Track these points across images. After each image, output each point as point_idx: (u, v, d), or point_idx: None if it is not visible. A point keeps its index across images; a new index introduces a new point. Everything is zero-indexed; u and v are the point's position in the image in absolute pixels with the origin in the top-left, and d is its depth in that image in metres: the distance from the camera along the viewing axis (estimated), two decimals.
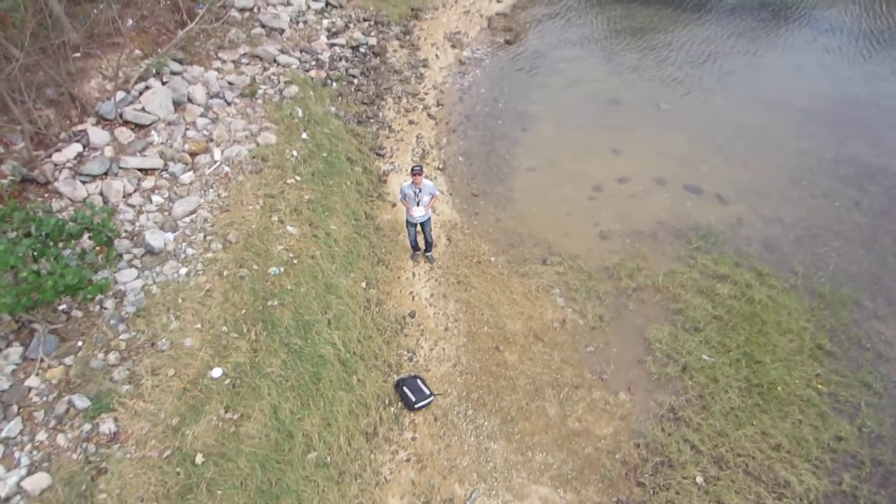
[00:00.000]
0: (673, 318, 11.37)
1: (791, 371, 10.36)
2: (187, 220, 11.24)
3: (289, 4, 19.03)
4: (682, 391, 10.20)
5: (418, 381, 9.88)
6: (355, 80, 17.25)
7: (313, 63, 17.08)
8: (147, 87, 13.32)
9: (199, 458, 8.08)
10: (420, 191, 10.98)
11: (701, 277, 12.09)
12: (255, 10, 18.13)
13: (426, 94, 17.69)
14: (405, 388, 9.71)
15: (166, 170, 12.08)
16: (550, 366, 10.51)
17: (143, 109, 12.80)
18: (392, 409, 9.62)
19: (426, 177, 11.32)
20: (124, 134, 12.24)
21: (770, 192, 14.38)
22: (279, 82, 15.54)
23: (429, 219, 11.56)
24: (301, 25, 18.67)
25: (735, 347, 10.74)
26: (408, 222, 11.63)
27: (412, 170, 10.77)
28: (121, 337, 9.16)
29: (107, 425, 8.17)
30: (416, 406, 9.54)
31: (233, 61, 15.79)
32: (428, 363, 10.40)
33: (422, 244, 12.18)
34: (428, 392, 9.73)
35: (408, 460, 9.02)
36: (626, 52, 20.60)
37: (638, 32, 21.95)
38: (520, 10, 23.43)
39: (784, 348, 10.74)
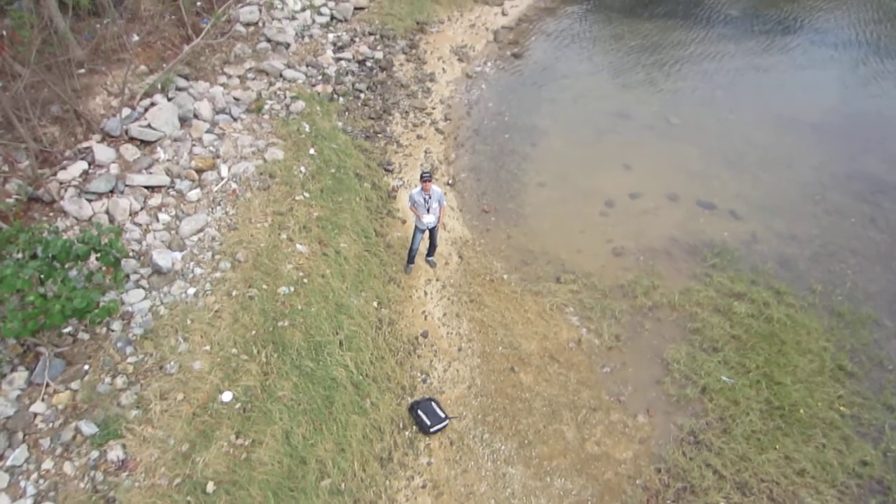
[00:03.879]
0: (690, 338, 11.16)
1: (812, 393, 10.15)
2: (195, 238, 11.03)
3: (294, 19, 18.89)
4: (703, 413, 9.98)
5: (433, 403, 9.64)
6: (362, 95, 17.11)
7: (319, 78, 16.93)
8: (153, 104, 13.15)
9: (210, 487, 7.85)
10: (430, 197, 10.93)
11: (717, 295, 11.89)
12: (261, 24, 17.99)
13: (433, 108, 17.53)
14: (420, 412, 9.47)
15: (173, 187, 11.88)
16: (567, 387, 10.29)
17: (148, 126, 12.62)
18: (406, 433, 9.38)
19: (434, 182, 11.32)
20: (130, 151, 12.05)
21: (783, 207, 14.22)
22: (285, 97, 15.38)
23: (436, 224, 11.53)
24: (307, 40, 18.54)
25: (755, 368, 10.53)
26: (416, 229, 11.55)
27: (421, 176, 10.80)
28: (128, 360, 8.93)
29: (115, 452, 7.94)
30: (432, 430, 9.29)
31: (238, 76, 15.64)
32: (442, 385, 10.16)
33: (424, 249, 12.19)
34: (443, 415, 9.49)
35: (424, 486, 8.77)
36: (634, 66, 20.50)
37: (645, 46, 21.86)
38: (525, 23, 23.35)
39: (804, 369, 10.53)
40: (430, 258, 12.27)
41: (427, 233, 11.64)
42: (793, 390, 10.11)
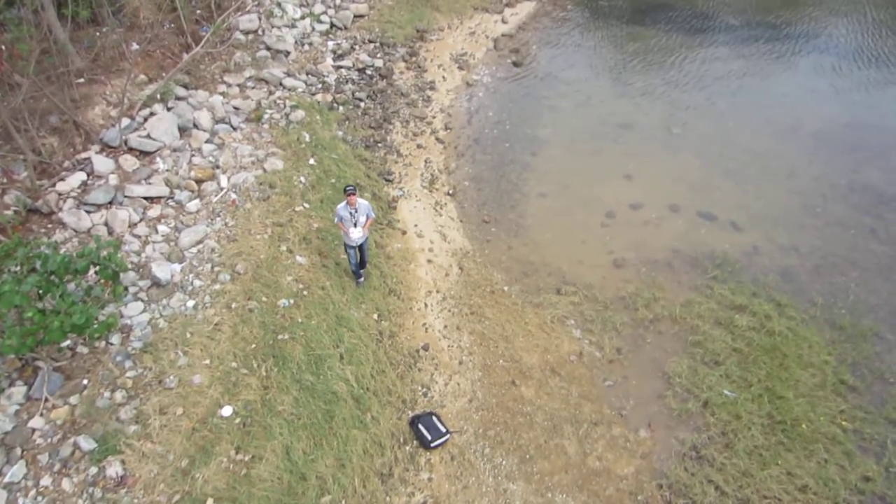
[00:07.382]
0: (692, 351, 11.11)
1: (814, 407, 10.09)
2: (194, 250, 10.99)
3: (293, 27, 18.87)
4: (704, 428, 9.93)
5: (434, 417, 9.57)
6: (362, 104, 17.08)
7: (319, 86, 16.90)
8: (152, 114, 13.13)
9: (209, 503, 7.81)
10: (356, 211, 10.32)
11: (719, 308, 11.84)
12: (260, 32, 17.97)
13: (434, 117, 17.49)
14: (420, 426, 9.40)
15: (172, 198, 11.84)
16: (568, 401, 10.23)
17: (148, 136, 12.60)
18: (407, 447, 9.30)
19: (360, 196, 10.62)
20: (129, 161, 12.02)
21: (784, 219, 14.17)
22: (285, 106, 15.34)
23: (366, 239, 10.99)
24: (306, 48, 18.53)
25: (756, 382, 10.47)
26: (346, 245, 10.98)
27: (345, 189, 10.18)
28: (127, 374, 8.88)
29: (114, 468, 7.89)
30: (433, 445, 9.22)
31: (238, 85, 15.60)
32: (443, 399, 10.09)
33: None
34: (444, 429, 9.42)
35: (425, 503, 8.69)
36: (635, 75, 20.46)
37: (645, 55, 21.82)
38: (525, 31, 23.30)
39: (806, 383, 10.47)
40: (361, 269, 11.61)
41: (358, 249, 11.10)
42: (795, 405, 10.06)
